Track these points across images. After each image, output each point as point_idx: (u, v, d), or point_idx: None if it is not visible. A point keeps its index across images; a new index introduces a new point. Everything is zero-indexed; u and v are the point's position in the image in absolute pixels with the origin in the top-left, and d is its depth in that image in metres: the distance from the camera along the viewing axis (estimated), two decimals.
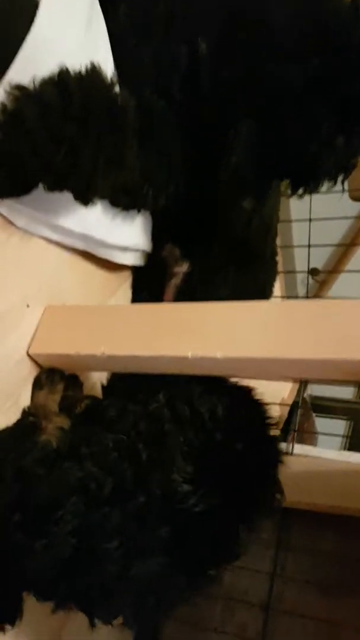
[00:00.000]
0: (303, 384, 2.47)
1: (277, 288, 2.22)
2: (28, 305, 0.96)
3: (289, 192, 0.95)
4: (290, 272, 1.88)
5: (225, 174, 0.87)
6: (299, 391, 2.45)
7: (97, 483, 0.77)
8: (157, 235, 1.19)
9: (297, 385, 2.48)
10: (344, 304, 0.78)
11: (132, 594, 0.77)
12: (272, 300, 0.84)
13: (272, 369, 0.81)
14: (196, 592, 0.84)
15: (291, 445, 1.51)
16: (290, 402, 2.38)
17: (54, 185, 0.80)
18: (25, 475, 0.76)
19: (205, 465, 0.80)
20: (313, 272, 2.47)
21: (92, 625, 0.79)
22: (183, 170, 0.96)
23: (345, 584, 1.23)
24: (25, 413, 0.90)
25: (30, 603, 0.82)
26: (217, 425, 0.85)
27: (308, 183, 0.91)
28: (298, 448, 1.51)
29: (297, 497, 1.26)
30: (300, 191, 0.94)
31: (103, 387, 1.14)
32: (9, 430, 0.86)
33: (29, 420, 0.87)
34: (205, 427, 0.84)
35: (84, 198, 0.84)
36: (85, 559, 0.74)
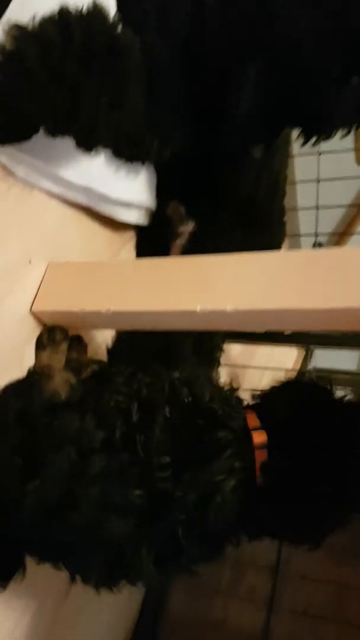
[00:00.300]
0: (308, 353, 2.46)
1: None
2: (30, 262, 0.93)
3: (301, 141, 0.91)
4: (296, 235, 1.84)
5: (234, 120, 0.83)
6: (304, 361, 2.44)
7: (90, 434, 0.76)
8: (162, 192, 1.15)
9: (302, 356, 2.46)
10: (354, 252, 0.75)
11: (102, 550, 0.77)
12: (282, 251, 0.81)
13: (282, 321, 0.78)
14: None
15: None
16: (295, 371, 2.36)
17: (55, 129, 0.77)
18: (30, 421, 0.76)
19: (180, 445, 0.78)
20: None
21: (72, 580, 0.79)
22: (189, 119, 0.92)
23: (353, 547, 1.22)
24: (30, 372, 0.88)
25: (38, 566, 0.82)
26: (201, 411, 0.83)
27: (320, 130, 0.87)
28: None
29: None
30: (313, 140, 0.90)
31: (109, 351, 1.12)
32: (15, 383, 0.84)
33: (35, 378, 0.85)
34: (190, 410, 0.83)
35: (87, 143, 0.81)
36: (66, 503, 0.73)
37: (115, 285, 0.88)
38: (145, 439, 0.75)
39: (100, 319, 0.88)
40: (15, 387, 0.84)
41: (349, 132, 0.89)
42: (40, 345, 0.94)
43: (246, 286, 0.79)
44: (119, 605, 1.28)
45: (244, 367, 1.78)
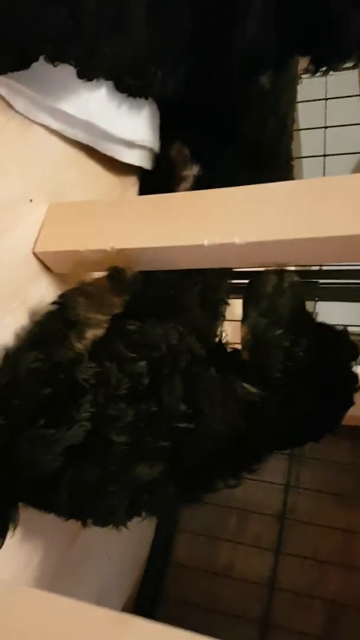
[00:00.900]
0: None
1: None
2: (31, 200, 0.90)
3: (310, 70, 0.87)
4: None
5: (242, 42, 0.79)
6: None
7: (117, 379, 0.79)
8: (166, 133, 1.11)
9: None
10: None
11: (128, 496, 0.79)
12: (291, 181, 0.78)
13: (293, 253, 0.75)
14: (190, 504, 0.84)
15: None
16: None
17: (55, 54, 0.73)
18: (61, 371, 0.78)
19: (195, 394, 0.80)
20: None
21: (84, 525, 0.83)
22: (194, 48, 0.88)
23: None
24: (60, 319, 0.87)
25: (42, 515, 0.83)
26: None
27: (331, 57, 0.83)
28: None
29: None
30: (322, 69, 0.87)
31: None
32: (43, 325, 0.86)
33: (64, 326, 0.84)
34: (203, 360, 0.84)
35: (87, 70, 0.77)
36: (93, 448, 0.76)
37: (119, 223, 0.86)
38: (167, 389, 0.79)
39: (104, 258, 0.86)
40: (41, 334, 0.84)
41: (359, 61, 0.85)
42: (81, 293, 0.91)
43: (255, 218, 0.76)
44: (127, 553, 1.28)
45: None
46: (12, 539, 0.83)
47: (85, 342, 0.83)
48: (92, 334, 0.84)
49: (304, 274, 1.63)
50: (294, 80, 1.24)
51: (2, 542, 0.80)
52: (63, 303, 0.87)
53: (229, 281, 1.40)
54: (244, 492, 1.31)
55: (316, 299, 1.47)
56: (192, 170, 1.14)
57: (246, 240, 0.75)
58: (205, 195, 0.82)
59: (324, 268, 1.54)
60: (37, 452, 0.73)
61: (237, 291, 1.49)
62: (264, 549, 1.24)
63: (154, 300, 1.10)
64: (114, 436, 0.76)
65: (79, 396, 0.76)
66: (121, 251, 0.83)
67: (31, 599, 0.61)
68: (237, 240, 0.76)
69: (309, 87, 1.80)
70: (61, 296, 0.89)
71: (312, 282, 1.45)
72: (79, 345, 0.82)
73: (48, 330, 0.85)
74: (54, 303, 0.88)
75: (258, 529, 1.27)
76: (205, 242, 0.77)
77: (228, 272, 1.35)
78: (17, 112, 0.86)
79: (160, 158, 1.14)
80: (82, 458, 0.76)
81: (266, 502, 1.29)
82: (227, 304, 1.44)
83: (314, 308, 1.48)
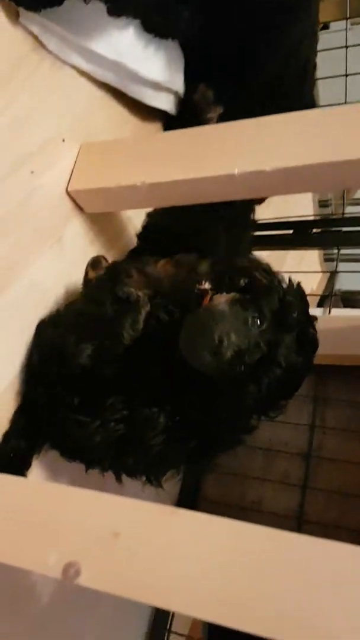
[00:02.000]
0: (333, 275, 2.45)
1: None
2: (64, 140, 0.93)
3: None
4: None
5: None
6: (328, 282, 2.44)
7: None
8: (190, 78, 1.13)
9: (325, 278, 2.45)
10: None
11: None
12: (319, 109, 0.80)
13: (325, 178, 0.77)
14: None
15: (328, 309, 1.50)
16: (319, 293, 2.36)
17: None
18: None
19: None
20: None
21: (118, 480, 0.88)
22: None
23: None
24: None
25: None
26: None
27: None
28: (335, 311, 1.49)
29: (334, 352, 1.26)
30: None
31: (139, 236, 1.14)
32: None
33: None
34: None
35: (118, 8, 0.80)
36: (131, 444, 0.82)
37: (150, 158, 0.88)
38: None
39: (136, 195, 0.89)
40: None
41: None
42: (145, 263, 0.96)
43: (285, 145, 0.78)
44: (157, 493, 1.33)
45: None
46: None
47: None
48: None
49: (326, 222, 1.65)
50: (314, 25, 1.24)
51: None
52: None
53: (251, 233, 1.43)
54: (270, 434, 1.35)
55: (338, 247, 1.48)
56: (216, 112, 1.15)
57: (276, 167, 0.77)
58: (234, 126, 0.84)
59: (346, 215, 1.55)
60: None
61: (260, 242, 1.52)
62: (291, 485, 1.28)
63: (176, 237, 1.14)
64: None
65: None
66: (152, 186, 0.86)
67: (89, 498, 0.65)
68: (267, 167, 0.78)
69: (328, 36, 1.79)
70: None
71: (335, 231, 1.46)
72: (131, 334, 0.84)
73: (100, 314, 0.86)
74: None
75: (285, 466, 1.31)
76: (236, 171, 0.80)
77: (252, 224, 1.38)
78: (49, 52, 0.88)
79: (184, 103, 1.16)
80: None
81: (292, 442, 1.33)
82: (251, 254, 1.47)
83: (337, 257, 1.50)
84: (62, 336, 0.82)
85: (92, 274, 0.99)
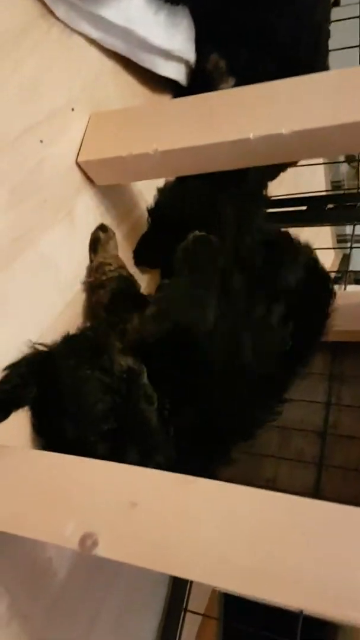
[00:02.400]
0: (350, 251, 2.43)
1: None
2: (73, 109, 0.91)
3: None
4: None
5: None
6: (342, 263, 2.41)
7: None
8: (201, 47, 1.10)
9: (338, 260, 2.43)
10: None
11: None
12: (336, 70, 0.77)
13: (344, 140, 0.75)
14: None
15: (344, 285, 1.48)
16: (334, 269, 2.34)
17: None
18: None
19: None
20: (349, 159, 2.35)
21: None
22: None
23: None
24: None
25: None
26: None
27: None
28: (351, 287, 1.47)
29: (350, 328, 1.24)
30: None
31: (150, 212, 1.11)
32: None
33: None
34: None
35: None
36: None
37: (162, 125, 0.86)
38: None
39: (148, 163, 0.86)
40: None
41: None
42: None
43: (302, 107, 0.76)
44: None
45: None
46: None
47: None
48: None
49: (341, 197, 1.62)
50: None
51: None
52: None
53: (264, 210, 1.40)
54: (285, 413, 1.32)
55: (355, 222, 1.45)
56: (228, 83, 1.12)
57: (293, 129, 0.75)
58: (249, 90, 0.82)
59: None
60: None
61: (275, 219, 1.50)
62: (307, 463, 1.26)
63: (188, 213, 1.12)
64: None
65: None
66: (165, 153, 0.84)
67: (106, 468, 0.64)
68: (284, 130, 0.75)
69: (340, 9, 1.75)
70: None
71: (350, 206, 1.43)
72: None
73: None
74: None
75: (301, 444, 1.29)
76: (251, 136, 0.77)
77: (265, 201, 1.36)
78: (57, 19, 0.86)
79: (196, 73, 1.13)
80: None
81: (307, 420, 1.31)
82: (263, 232, 1.44)
83: (352, 232, 1.47)
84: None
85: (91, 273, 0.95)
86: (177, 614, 1.24)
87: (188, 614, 1.24)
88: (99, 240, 0.95)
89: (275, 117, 0.77)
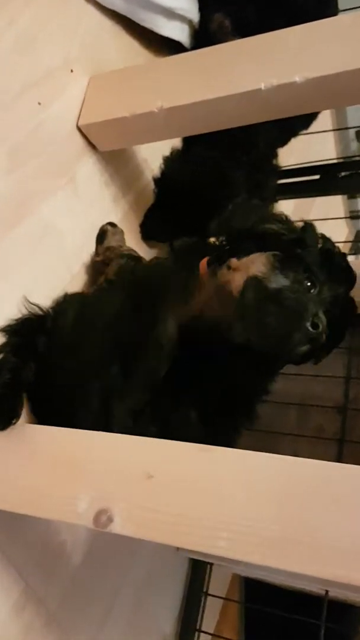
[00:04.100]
0: None
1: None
2: (72, 71, 0.86)
3: None
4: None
5: None
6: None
7: None
8: (205, 6, 1.05)
9: (351, 236, 2.37)
10: None
11: None
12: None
13: (356, 85, 0.69)
14: None
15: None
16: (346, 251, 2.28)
17: None
18: None
19: None
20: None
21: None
22: None
23: None
24: None
25: None
26: None
27: None
28: None
29: None
30: None
31: (156, 181, 1.06)
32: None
33: None
34: None
35: None
36: None
37: (165, 82, 0.81)
38: None
39: (153, 123, 0.82)
40: None
41: None
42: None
43: (316, 53, 0.71)
44: None
45: None
46: None
47: None
48: None
49: (355, 164, 1.56)
50: None
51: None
52: None
53: (276, 180, 1.35)
54: (303, 388, 1.28)
55: None
56: None
57: (307, 77, 0.70)
58: (256, 40, 0.76)
59: None
60: None
61: (284, 192, 1.44)
62: (327, 440, 1.22)
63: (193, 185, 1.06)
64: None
65: None
66: (170, 111, 0.79)
67: (118, 440, 0.60)
68: (297, 78, 0.70)
69: None
70: None
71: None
72: None
73: None
74: None
75: (320, 421, 1.24)
76: (262, 86, 0.72)
77: (275, 170, 1.30)
78: None
79: (199, 34, 1.08)
80: None
81: (326, 395, 1.26)
82: (276, 201, 1.39)
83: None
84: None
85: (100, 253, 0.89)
86: (198, 598, 1.20)
87: (209, 598, 1.20)
88: (106, 232, 0.91)
89: (287, 65, 0.72)
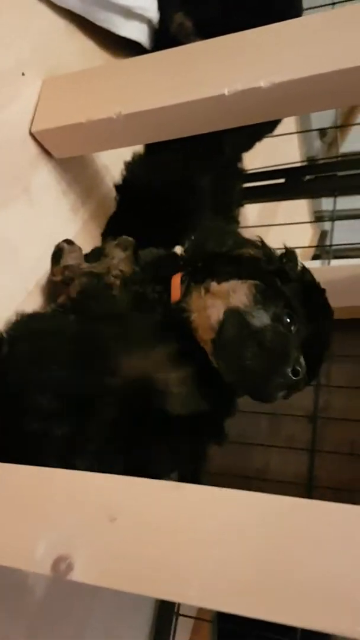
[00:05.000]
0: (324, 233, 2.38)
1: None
2: (23, 74, 0.81)
3: None
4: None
5: None
6: (320, 239, 2.36)
7: None
8: (166, 6, 1.01)
9: (316, 237, 2.37)
10: None
11: None
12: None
13: (326, 91, 0.66)
14: None
15: (327, 261, 1.40)
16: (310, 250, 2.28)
17: None
18: None
19: None
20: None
21: None
22: None
23: None
24: None
25: None
26: None
27: None
28: (335, 262, 1.39)
29: (335, 305, 1.17)
30: None
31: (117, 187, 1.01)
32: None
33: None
34: None
35: None
36: None
37: (125, 86, 0.77)
38: None
39: (111, 130, 0.77)
40: None
41: None
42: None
43: (282, 56, 0.67)
44: None
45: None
46: None
47: None
48: None
49: (322, 167, 1.54)
50: None
51: None
52: None
53: (242, 184, 1.32)
54: None
55: (336, 193, 1.37)
56: None
57: (274, 81, 0.66)
58: (220, 42, 0.73)
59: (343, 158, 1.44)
60: None
61: (249, 195, 1.41)
62: (298, 450, 1.19)
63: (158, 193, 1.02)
64: None
65: None
66: (130, 117, 0.74)
67: (78, 479, 0.55)
68: (262, 83, 0.67)
69: None
70: None
71: (330, 176, 1.35)
72: None
73: None
74: None
75: (291, 430, 1.22)
76: (226, 91, 0.68)
77: (241, 174, 1.27)
78: None
79: (159, 35, 1.04)
80: None
81: (297, 404, 1.23)
82: (242, 205, 1.36)
83: (334, 203, 1.39)
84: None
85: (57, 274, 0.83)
86: (169, 618, 1.16)
87: (180, 618, 1.16)
88: (62, 250, 0.84)
89: (252, 68, 0.68)
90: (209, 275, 0.67)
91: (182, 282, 0.70)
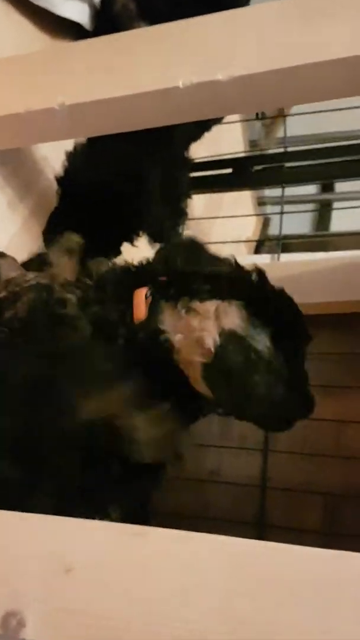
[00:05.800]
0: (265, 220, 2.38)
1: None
2: None
3: None
4: None
5: None
6: (263, 229, 2.35)
7: None
8: None
9: (260, 224, 2.36)
10: None
11: None
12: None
13: (289, 87, 0.61)
14: None
15: (277, 255, 1.37)
16: (255, 239, 2.26)
17: None
18: None
19: None
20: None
21: None
22: None
23: (348, 380, 1.15)
24: None
25: None
26: None
27: None
28: (285, 257, 1.37)
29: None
30: None
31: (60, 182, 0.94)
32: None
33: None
34: None
35: None
36: None
37: (69, 74, 0.69)
38: None
39: (52, 122, 0.70)
40: None
41: None
42: None
43: (240, 47, 0.62)
44: None
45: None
46: None
47: None
48: None
49: (268, 158, 1.51)
50: None
51: None
52: None
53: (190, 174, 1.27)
54: None
55: (283, 185, 1.34)
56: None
57: (232, 75, 0.61)
58: (174, 27, 0.67)
59: (289, 149, 1.41)
60: None
61: (198, 185, 1.36)
62: (251, 450, 1.17)
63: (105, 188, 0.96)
64: None
65: None
66: (74, 108, 0.68)
67: (29, 524, 0.49)
68: (220, 76, 0.61)
69: None
70: None
71: (278, 167, 1.32)
72: None
73: None
74: None
75: (243, 430, 1.19)
76: (180, 84, 0.63)
77: (189, 164, 1.22)
78: None
79: (101, 16, 0.97)
80: None
81: None
82: (190, 197, 1.31)
83: (282, 194, 1.36)
84: None
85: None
86: None
87: None
88: None
89: (208, 60, 0.62)
90: (183, 293, 0.62)
91: (146, 298, 0.64)
